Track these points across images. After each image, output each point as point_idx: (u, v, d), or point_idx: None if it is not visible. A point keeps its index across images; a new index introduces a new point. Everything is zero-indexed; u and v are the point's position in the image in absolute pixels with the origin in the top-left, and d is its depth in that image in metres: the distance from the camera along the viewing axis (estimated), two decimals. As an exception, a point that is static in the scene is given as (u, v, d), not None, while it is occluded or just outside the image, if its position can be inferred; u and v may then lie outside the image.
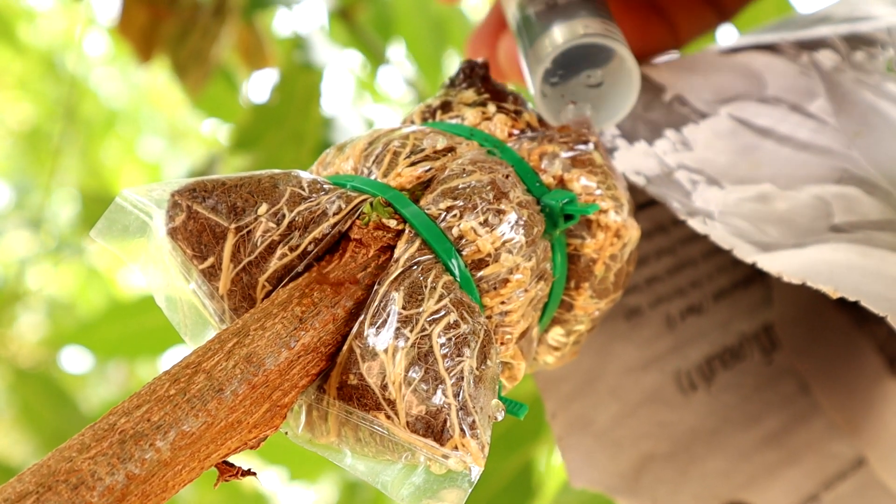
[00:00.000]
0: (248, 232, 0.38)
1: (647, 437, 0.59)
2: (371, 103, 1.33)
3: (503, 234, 0.39)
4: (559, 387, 0.57)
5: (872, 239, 0.49)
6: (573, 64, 0.44)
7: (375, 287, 0.37)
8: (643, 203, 0.56)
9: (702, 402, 0.59)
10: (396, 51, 1.14)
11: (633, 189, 0.46)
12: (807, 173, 0.49)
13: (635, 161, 0.46)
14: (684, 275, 0.59)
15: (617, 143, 0.46)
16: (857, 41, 0.54)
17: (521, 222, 0.39)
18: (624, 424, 0.58)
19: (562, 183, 0.41)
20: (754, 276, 0.62)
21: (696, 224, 0.46)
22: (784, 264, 0.46)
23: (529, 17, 0.45)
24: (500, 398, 0.38)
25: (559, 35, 0.44)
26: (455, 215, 0.39)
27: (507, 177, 0.40)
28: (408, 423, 0.36)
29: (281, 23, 1.12)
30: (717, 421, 0.60)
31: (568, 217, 0.41)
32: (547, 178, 0.41)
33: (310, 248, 0.38)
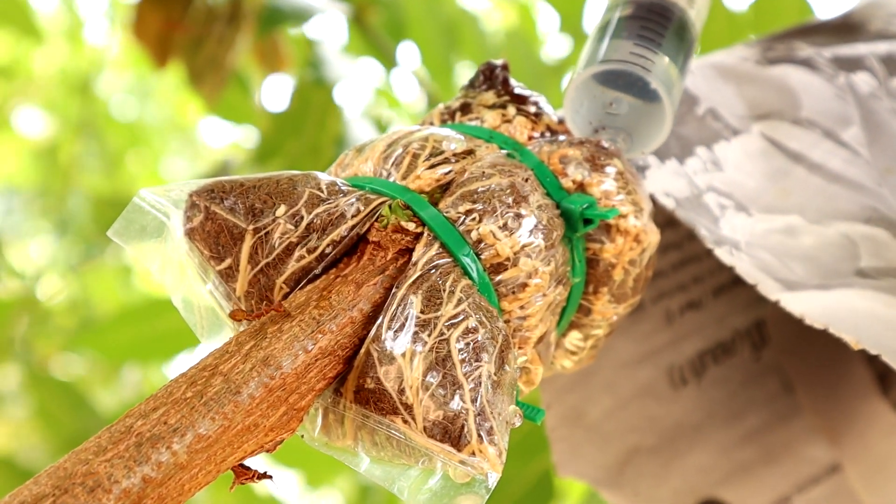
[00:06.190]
0: (266, 233, 0.38)
1: (634, 430, 0.59)
2: (385, 108, 1.33)
3: (522, 238, 0.38)
4: (556, 379, 0.57)
5: None
6: (615, 84, 0.44)
7: (394, 290, 0.37)
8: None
9: (690, 396, 0.60)
10: (407, 54, 1.14)
11: (658, 203, 0.46)
12: (836, 208, 0.49)
13: (666, 181, 0.46)
14: (688, 270, 0.59)
15: (648, 161, 0.46)
16: (894, 66, 0.54)
17: (541, 226, 0.39)
18: (615, 418, 0.59)
19: (581, 187, 0.41)
20: None
21: (722, 254, 0.46)
22: (808, 307, 0.46)
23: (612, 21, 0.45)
24: (518, 403, 0.38)
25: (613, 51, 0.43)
26: (474, 219, 0.38)
27: (527, 180, 0.40)
28: (425, 427, 0.36)
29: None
30: (702, 416, 0.60)
31: (587, 221, 0.40)
32: (567, 182, 0.41)
33: (328, 251, 0.38)
